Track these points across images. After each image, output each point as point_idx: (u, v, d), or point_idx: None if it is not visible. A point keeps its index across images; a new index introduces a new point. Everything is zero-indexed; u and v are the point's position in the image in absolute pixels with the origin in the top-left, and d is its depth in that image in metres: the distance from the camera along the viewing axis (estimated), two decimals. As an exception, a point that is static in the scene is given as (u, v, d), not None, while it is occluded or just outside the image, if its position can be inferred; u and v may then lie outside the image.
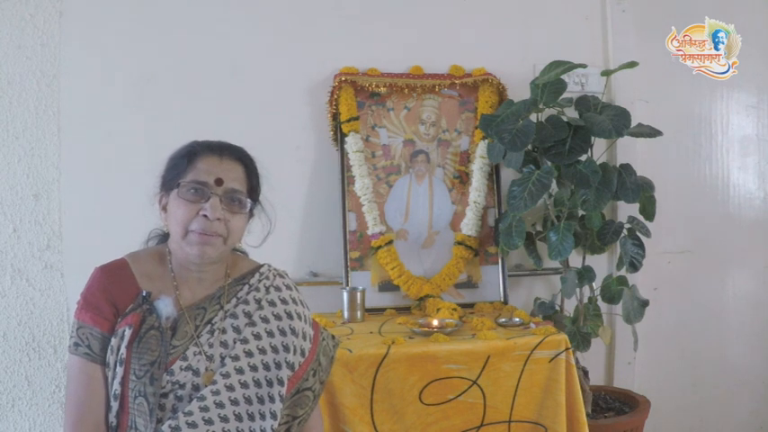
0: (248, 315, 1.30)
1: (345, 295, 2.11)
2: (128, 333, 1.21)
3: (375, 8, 2.41)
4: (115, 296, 1.24)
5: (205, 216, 1.24)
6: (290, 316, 1.32)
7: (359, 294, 2.12)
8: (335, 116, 2.32)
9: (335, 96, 2.31)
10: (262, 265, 1.40)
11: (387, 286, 2.28)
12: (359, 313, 2.11)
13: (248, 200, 1.31)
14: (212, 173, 1.26)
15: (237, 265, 1.38)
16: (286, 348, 1.28)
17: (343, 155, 2.33)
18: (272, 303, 1.32)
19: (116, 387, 1.20)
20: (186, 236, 1.25)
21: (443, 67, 2.42)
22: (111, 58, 2.25)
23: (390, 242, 2.28)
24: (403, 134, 2.38)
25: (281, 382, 1.25)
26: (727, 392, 2.74)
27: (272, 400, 1.24)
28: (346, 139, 2.31)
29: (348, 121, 2.30)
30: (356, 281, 2.26)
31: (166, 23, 2.29)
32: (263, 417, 1.22)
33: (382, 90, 2.34)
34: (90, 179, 2.25)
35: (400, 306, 2.26)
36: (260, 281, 1.35)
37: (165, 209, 1.31)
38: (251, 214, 1.35)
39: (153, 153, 2.18)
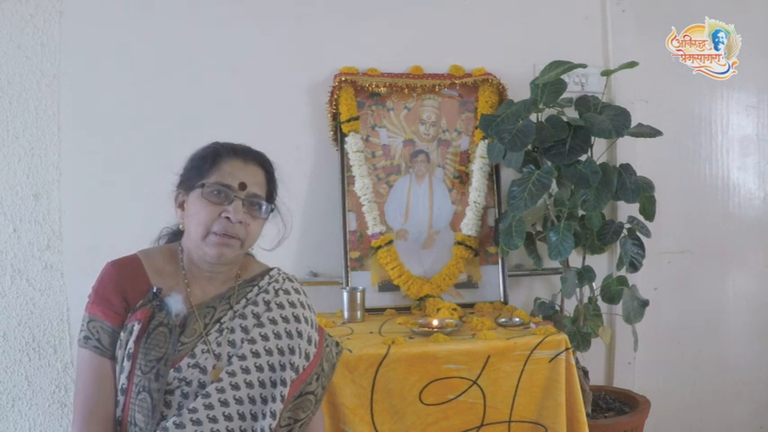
0: (257, 316, 1.31)
1: (345, 295, 2.11)
2: (136, 328, 1.22)
3: (375, 8, 2.41)
4: (126, 291, 1.25)
5: (227, 218, 1.26)
6: (297, 319, 1.34)
7: (359, 294, 2.12)
8: (335, 116, 2.32)
9: (335, 96, 2.31)
10: (272, 268, 1.42)
11: (387, 286, 2.28)
12: (359, 313, 2.11)
13: (267, 205, 1.33)
14: (236, 176, 1.28)
15: (248, 266, 1.40)
16: (292, 351, 1.30)
17: (343, 155, 2.33)
18: (280, 306, 1.34)
19: (123, 381, 1.21)
20: (207, 237, 1.26)
21: (443, 67, 2.42)
22: (111, 58, 2.25)
23: (390, 242, 2.28)
24: (403, 134, 2.38)
25: (284, 383, 1.26)
26: (727, 392, 2.74)
27: (273, 400, 1.25)
28: (346, 139, 2.31)
29: (348, 121, 2.30)
30: (356, 281, 2.26)
31: (166, 23, 2.29)
32: (265, 417, 1.23)
33: (382, 90, 2.34)
34: (90, 179, 2.25)
35: (400, 306, 2.26)
36: (269, 283, 1.37)
37: (181, 206, 1.32)
38: (266, 218, 1.36)
39: (153, 153, 2.22)
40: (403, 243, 2.32)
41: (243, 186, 1.28)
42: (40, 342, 2.23)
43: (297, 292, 1.39)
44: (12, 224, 2.20)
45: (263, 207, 1.32)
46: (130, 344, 1.21)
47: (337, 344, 1.47)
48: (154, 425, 1.18)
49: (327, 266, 2.36)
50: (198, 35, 2.30)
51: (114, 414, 1.22)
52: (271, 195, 1.37)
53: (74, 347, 2.19)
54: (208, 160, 1.30)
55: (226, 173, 1.28)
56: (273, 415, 1.23)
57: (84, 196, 2.24)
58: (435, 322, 1.96)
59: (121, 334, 1.23)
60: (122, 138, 2.25)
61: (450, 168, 2.39)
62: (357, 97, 2.34)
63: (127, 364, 1.21)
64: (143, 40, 2.27)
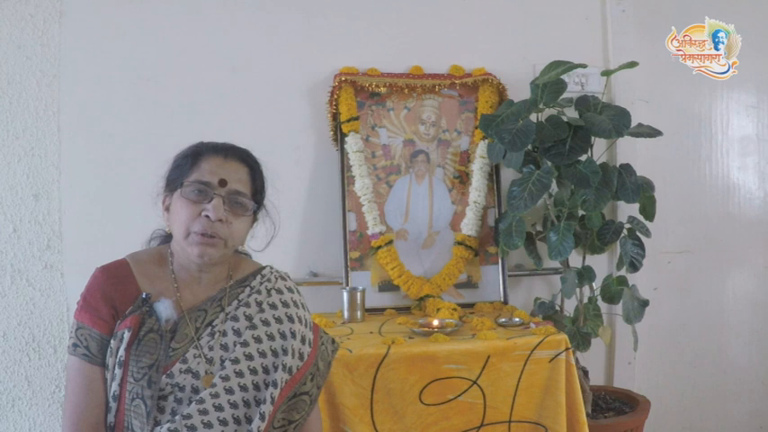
0: (249, 318, 1.29)
1: (345, 295, 2.11)
2: (127, 335, 1.20)
3: (375, 8, 2.41)
4: (115, 298, 1.23)
5: (207, 217, 1.23)
6: (290, 319, 1.31)
7: (359, 294, 2.12)
8: (335, 116, 2.32)
9: (335, 96, 2.31)
10: (264, 267, 1.39)
11: (387, 286, 2.28)
12: (359, 313, 2.11)
13: (252, 202, 1.30)
14: (216, 173, 1.25)
15: (240, 266, 1.37)
16: (285, 351, 1.27)
17: (343, 155, 2.33)
18: (273, 306, 1.31)
19: (115, 388, 1.20)
20: (188, 236, 1.24)
21: (443, 67, 2.42)
22: (111, 58, 2.25)
23: (390, 242, 2.28)
24: (403, 134, 2.38)
25: (275, 385, 1.24)
26: (727, 392, 2.74)
27: (265, 401, 1.22)
28: (346, 139, 2.31)
29: (348, 121, 2.30)
30: (356, 281, 2.26)
31: (166, 23, 2.29)
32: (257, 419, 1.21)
33: (382, 90, 2.34)
34: (90, 179, 2.25)
35: (400, 306, 2.26)
36: (261, 283, 1.34)
37: (167, 209, 1.30)
38: (255, 218, 1.34)
39: (153, 153, 2.18)
40: (403, 243, 2.31)
41: (223, 183, 1.25)
42: (40, 342, 2.23)
43: (290, 291, 1.36)
44: (12, 224, 2.20)
45: (247, 205, 1.28)
46: (121, 351, 1.20)
47: (333, 341, 1.44)
48: (149, 430, 1.16)
49: (327, 266, 2.36)
50: (198, 35, 2.30)
51: (105, 421, 1.21)
52: (258, 193, 1.33)
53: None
54: (188, 159, 1.27)
55: (205, 170, 1.25)
56: (262, 417, 1.21)
57: (84, 196, 2.24)
58: (435, 322, 1.96)
59: (111, 342, 1.21)
60: (122, 138, 2.25)
61: (451, 168, 2.39)
62: (357, 97, 2.34)
63: (118, 372, 1.19)
64: (143, 40, 2.27)
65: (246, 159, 1.32)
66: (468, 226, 2.30)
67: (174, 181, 1.28)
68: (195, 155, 1.28)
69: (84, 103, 2.24)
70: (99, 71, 2.25)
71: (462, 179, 2.38)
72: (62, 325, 2.24)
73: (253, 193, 1.31)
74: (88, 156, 2.25)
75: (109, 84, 2.25)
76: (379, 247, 2.26)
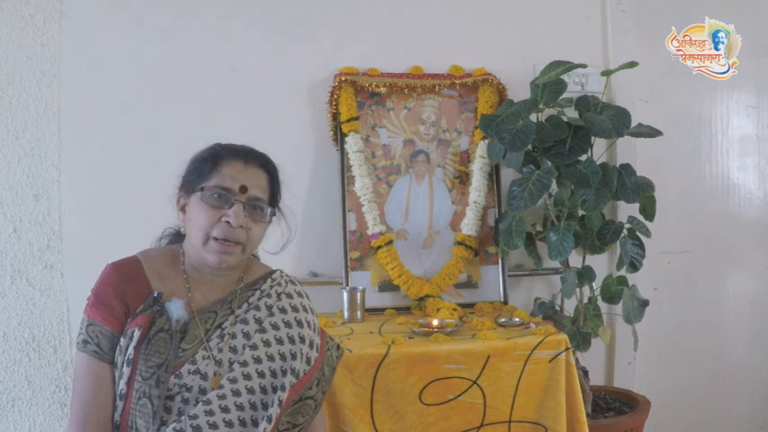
0: (259, 321, 1.29)
1: (345, 295, 2.11)
2: (137, 334, 1.20)
3: (375, 8, 2.41)
4: (127, 295, 1.24)
5: (228, 223, 1.23)
6: (299, 324, 1.32)
7: (359, 294, 2.12)
8: (335, 116, 2.32)
9: (335, 96, 2.31)
10: (274, 271, 1.40)
11: (387, 286, 2.28)
12: (359, 313, 2.11)
13: (270, 208, 1.31)
14: (237, 179, 1.26)
15: (251, 269, 1.38)
16: (293, 356, 1.28)
17: (343, 155, 2.33)
18: (282, 310, 1.32)
19: (122, 387, 1.20)
20: (207, 242, 1.25)
21: (443, 67, 2.42)
22: (111, 58, 2.25)
23: (390, 242, 2.28)
24: (403, 134, 2.38)
25: (283, 388, 1.25)
26: (727, 392, 2.74)
27: (273, 404, 1.23)
28: (346, 139, 2.31)
29: (348, 121, 2.30)
30: (356, 281, 2.26)
31: (166, 23, 2.29)
32: (263, 421, 1.22)
33: (382, 90, 2.34)
34: (90, 179, 2.25)
35: (400, 306, 2.26)
36: (272, 287, 1.35)
37: (183, 210, 1.31)
38: (270, 221, 1.35)
39: (153, 153, 2.22)
40: (403, 243, 2.31)
41: (244, 189, 1.26)
42: (40, 342, 2.23)
43: (299, 295, 1.37)
44: (12, 224, 2.20)
45: (266, 210, 1.30)
46: (130, 350, 1.20)
47: (338, 347, 1.45)
48: (154, 430, 1.17)
49: (327, 266, 2.36)
50: (198, 35, 2.30)
51: (111, 419, 1.21)
52: (274, 198, 1.34)
53: (74, 347, 2.19)
54: (208, 162, 1.28)
55: (226, 176, 1.26)
56: (269, 419, 1.22)
57: (84, 196, 2.24)
58: (435, 322, 1.96)
59: (121, 339, 1.21)
60: (122, 138, 2.25)
61: (451, 168, 2.39)
62: (357, 97, 2.34)
63: (126, 370, 1.20)
64: (143, 40, 2.27)
65: (266, 165, 1.33)
66: (468, 226, 2.30)
67: (191, 183, 1.29)
68: (215, 158, 1.28)
69: (84, 103, 2.24)
70: (99, 71, 2.25)
71: (462, 179, 2.38)
72: (62, 325, 2.24)
73: (270, 197, 1.32)
74: (88, 156, 2.24)
75: (109, 84, 2.25)
76: (379, 247, 2.26)
